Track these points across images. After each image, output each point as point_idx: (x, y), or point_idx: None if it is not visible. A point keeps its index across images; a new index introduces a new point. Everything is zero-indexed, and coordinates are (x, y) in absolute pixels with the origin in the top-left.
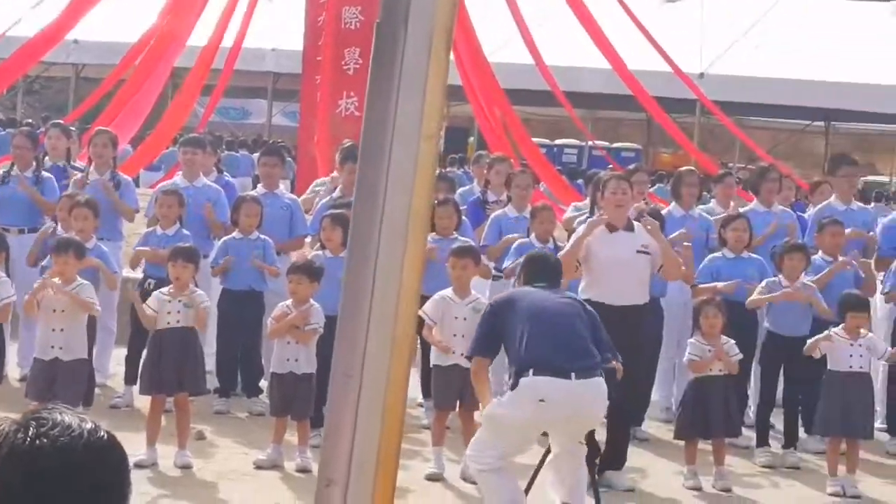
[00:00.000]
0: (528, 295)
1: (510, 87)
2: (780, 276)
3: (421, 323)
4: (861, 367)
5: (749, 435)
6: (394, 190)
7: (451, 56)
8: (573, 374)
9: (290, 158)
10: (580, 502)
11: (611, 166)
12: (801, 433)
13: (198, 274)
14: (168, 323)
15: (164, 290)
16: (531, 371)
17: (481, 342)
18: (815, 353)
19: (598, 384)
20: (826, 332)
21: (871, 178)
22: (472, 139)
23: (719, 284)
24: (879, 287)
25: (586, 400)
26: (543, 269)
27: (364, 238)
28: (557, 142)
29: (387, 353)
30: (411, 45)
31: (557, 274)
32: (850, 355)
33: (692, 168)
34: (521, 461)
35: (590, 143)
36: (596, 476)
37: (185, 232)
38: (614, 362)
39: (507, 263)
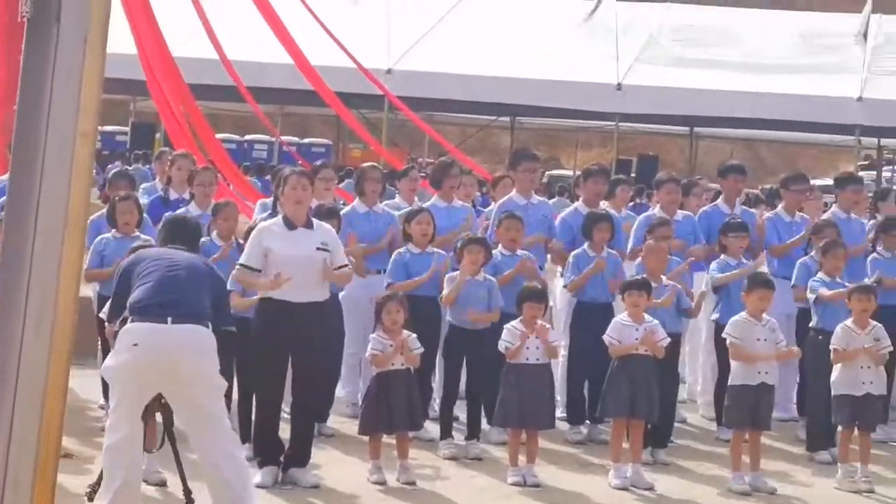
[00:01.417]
0: (156, 252)
1: (196, 83)
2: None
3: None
4: (538, 360)
5: (434, 427)
6: (49, 190)
7: (135, 50)
8: (169, 319)
9: None
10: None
11: (299, 162)
12: (484, 424)
13: None
14: None
15: None
16: (132, 318)
17: (113, 305)
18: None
19: (197, 331)
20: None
21: (555, 172)
22: (158, 135)
23: (414, 280)
24: (560, 280)
25: (182, 344)
26: (181, 232)
27: (19, 238)
28: (248, 137)
29: (44, 357)
30: (65, 40)
31: (196, 237)
32: (527, 347)
33: (374, 164)
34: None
35: (279, 138)
36: (176, 448)
37: None
38: None
39: None
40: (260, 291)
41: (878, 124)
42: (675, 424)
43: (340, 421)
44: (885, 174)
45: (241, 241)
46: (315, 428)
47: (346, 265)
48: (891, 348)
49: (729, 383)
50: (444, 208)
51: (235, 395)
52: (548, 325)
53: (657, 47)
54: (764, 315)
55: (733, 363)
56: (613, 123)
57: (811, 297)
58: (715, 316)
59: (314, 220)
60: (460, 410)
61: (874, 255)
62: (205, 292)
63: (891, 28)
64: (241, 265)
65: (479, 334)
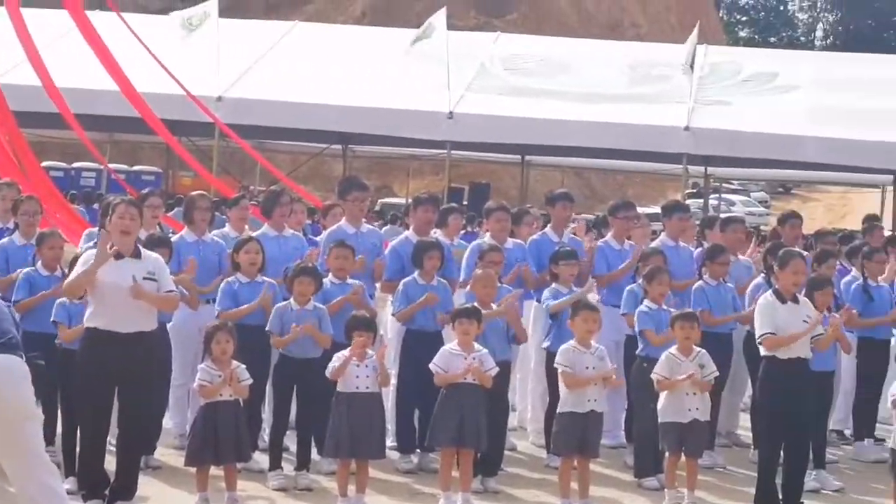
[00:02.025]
0: None
1: (22, 110)
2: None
3: None
4: (368, 388)
5: (263, 458)
6: None
7: None
8: None
9: None
10: None
11: (128, 191)
12: (315, 454)
13: None
14: None
15: None
16: None
17: None
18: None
19: (11, 360)
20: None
21: (388, 199)
22: None
23: (243, 308)
24: (389, 307)
25: None
26: None
27: None
28: (75, 165)
29: None
30: None
31: None
32: (357, 376)
33: (203, 193)
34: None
35: (107, 166)
36: None
37: None
38: None
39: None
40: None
41: (705, 153)
42: (506, 452)
43: (167, 453)
44: (712, 202)
45: (67, 272)
46: (142, 460)
47: (172, 291)
48: (716, 374)
49: (558, 411)
50: (275, 237)
51: (60, 428)
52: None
53: (488, 76)
54: (593, 343)
55: (563, 391)
56: (445, 151)
57: (637, 326)
58: (546, 344)
59: (142, 250)
60: (290, 441)
61: (700, 283)
62: (11, 323)
63: (716, 58)
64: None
65: (309, 363)
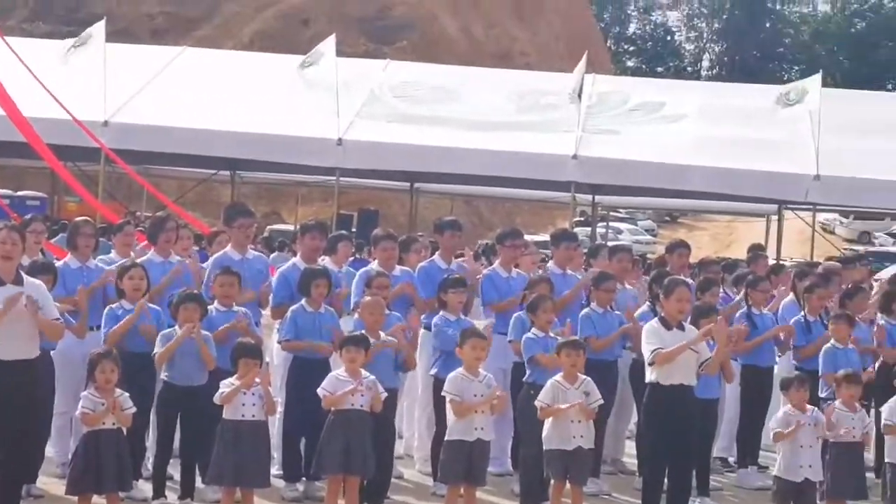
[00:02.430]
0: None
1: None
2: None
3: None
4: (254, 416)
5: (147, 487)
6: None
7: None
8: None
9: None
10: None
11: (11, 216)
12: (199, 482)
13: None
14: None
15: None
16: None
17: None
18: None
19: None
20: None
21: (276, 226)
22: None
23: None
24: (276, 335)
25: None
26: None
27: None
28: None
29: None
30: None
31: None
32: (243, 403)
33: (87, 218)
34: None
35: None
36: None
37: None
38: None
39: None
40: None
41: (593, 181)
42: (392, 480)
43: (49, 481)
44: (600, 230)
45: None
46: (23, 488)
47: (57, 318)
48: (601, 402)
49: (446, 438)
50: (160, 263)
51: None
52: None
53: (378, 103)
54: (481, 370)
55: (450, 419)
56: (334, 178)
57: (525, 353)
58: (433, 371)
59: (24, 276)
60: (174, 469)
61: (586, 310)
62: None
63: (604, 88)
64: None
65: (194, 390)
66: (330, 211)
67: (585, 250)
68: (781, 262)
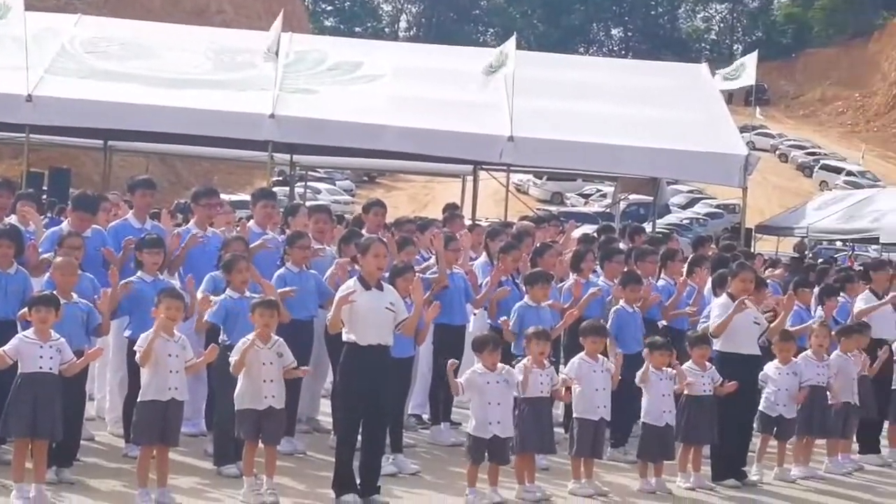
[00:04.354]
0: None
1: None
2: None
3: None
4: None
5: None
6: None
7: None
8: None
9: None
10: None
11: None
12: None
13: None
14: None
15: None
16: None
17: None
18: None
19: None
20: None
21: None
22: None
23: None
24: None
25: None
26: None
27: None
28: None
29: None
30: None
31: None
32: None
33: None
34: None
35: None
36: None
37: None
38: None
39: None
40: None
41: (290, 140)
42: (83, 442)
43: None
44: (298, 190)
45: None
46: None
47: None
48: (294, 364)
49: (139, 399)
50: None
51: None
52: None
53: (69, 59)
54: (175, 331)
55: (144, 380)
56: (24, 135)
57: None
58: (127, 333)
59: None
60: None
61: (282, 270)
62: None
63: (301, 47)
64: None
65: None
66: (20, 169)
67: (283, 209)
68: (477, 222)
